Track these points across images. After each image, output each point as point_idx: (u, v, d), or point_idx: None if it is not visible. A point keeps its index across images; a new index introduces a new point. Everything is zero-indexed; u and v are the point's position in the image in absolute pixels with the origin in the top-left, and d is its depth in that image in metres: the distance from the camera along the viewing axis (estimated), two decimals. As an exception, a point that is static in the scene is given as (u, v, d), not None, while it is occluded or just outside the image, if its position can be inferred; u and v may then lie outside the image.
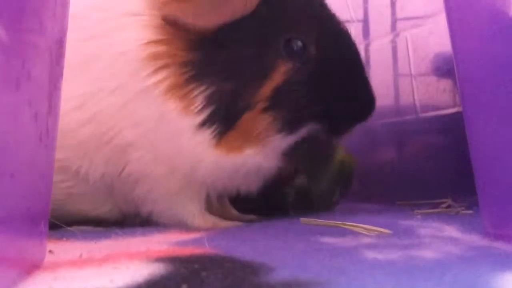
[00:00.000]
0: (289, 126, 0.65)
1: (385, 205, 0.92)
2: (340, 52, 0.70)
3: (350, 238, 0.53)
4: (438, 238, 0.53)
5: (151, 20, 0.63)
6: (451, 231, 0.57)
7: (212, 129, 0.63)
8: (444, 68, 0.91)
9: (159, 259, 0.43)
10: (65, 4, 0.44)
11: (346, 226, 0.60)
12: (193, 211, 0.69)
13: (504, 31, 0.46)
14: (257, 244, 0.51)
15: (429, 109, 0.95)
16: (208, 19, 0.62)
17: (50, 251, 0.47)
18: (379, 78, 1.07)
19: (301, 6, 0.68)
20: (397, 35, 1.02)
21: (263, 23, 0.65)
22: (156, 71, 0.62)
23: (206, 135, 0.63)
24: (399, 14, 1.03)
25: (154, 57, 0.62)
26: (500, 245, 0.47)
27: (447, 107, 0.90)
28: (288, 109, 0.65)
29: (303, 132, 0.66)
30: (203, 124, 0.63)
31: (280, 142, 0.66)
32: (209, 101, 0.63)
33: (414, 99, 0.97)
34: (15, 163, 0.34)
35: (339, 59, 0.69)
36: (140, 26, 0.64)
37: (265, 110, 0.64)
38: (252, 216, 0.77)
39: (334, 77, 0.68)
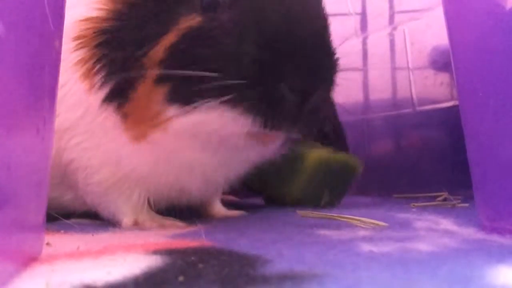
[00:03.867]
0: (183, 99, 0.52)
1: (381, 198, 0.93)
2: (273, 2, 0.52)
3: (347, 231, 0.53)
4: (434, 231, 0.53)
5: None
6: (447, 224, 0.58)
7: (114, 104, 0.56)
8: (441, 62, 0.91)
9: (156, 252, 0.43)
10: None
11: (342, 219, 0.60)
12: (124, 209, 0.63)
13: (500, 24, 0.46)
14: (254, 237, 0.51)
15: (426, 103, 0.95)
16: None
17: (48, 244, 0.47)
18: (377, 71, 1.07)
19: None
20: (394, 28, 1.02)
21: None
22: (77, 49, 0.57)
23: (111, 114, 0.57)
24: (397, 7, 1.03)
25: (80, 36, 0.57)
26: (495, 238, 0.47)
27: (444, 101, 0.90)
28: (183, 78, 0.51)
29: (214, 115, 0.51)
30: (106, 99, 0.56)
31: (182, 120, 0.53)
32: (106, 72, 0.55)
33: (411, 93, 0.97)
34: (12, 156, 0.34)
35: (265, 6, 0.52)
36: (87, 3, 0.58)
37: (157, 80, 0.53)
38: (241, 212, 0.77)
39: (259, 27, 0.51)
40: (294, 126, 0.53)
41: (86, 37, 0.57)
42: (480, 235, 0.50)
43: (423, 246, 0.44)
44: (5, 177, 0.33)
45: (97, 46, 0.57)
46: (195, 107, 0.51)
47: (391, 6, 1.03)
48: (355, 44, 1.10)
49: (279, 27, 0.51)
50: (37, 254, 0.43)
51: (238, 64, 0.50)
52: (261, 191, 0.84)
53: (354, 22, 1.09)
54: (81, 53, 0.58)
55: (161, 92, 0.53)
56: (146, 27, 0.55)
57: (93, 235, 0.56)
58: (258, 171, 0.69)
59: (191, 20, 0.53)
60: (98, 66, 0.57)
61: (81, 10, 0.58)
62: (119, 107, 0.56)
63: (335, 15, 1.13)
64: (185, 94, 0.52)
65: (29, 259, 0.40)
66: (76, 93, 0.59)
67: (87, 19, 0.58)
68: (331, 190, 0.79)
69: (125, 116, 0.57)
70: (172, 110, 0.53)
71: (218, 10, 0.53)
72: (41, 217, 0.43)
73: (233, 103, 0.50)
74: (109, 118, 0.58)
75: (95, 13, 0.57)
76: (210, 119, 0.52)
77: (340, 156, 0.82)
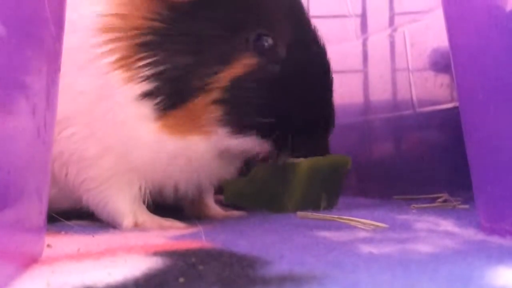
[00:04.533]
0: (237, 124, 0.61)
1: (381, 199, 0.93)
2: (309, 62, 0.65)
3: (347, 232, 0.53)
4: (434, 232, 0.53)
5: None
6: (447, 225, 0.58)
7: (155, 102, 0.59)
8: (441, 63, 0.91)
9: (156, 253, 0.43)
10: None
11: (342, 220, 0.60)
12: (123, 208, 0.64)
13: (501, 26, 0.46)
14: (254, 238, 0.51)
15: (427, 104, 0.95)
16: None
17: (48, 245, 0.48)
18: (377, 73, 1.07)
19: (281, 4, 0.65)
20: (395, 30, 1.02)
21: (240, 9, 0.62)
22: (106, 42, 0.59)
23: (147, 108, 0.59)
24: (397, 9, 1.03)
25: (107, 29, 0.59)
26: (495, 239, 0.47)
27: (445, 102, 0.90)
28: (242, 106, 0.61)
29: (248, 141, 0.62)
30: (146, 95, 0.59)
31: (226, 139, 0.62)
32: (157, 72, 0.59)
33: (411, 94, 0.97)
34: (13, 158, 0.34)
35: (307, 69, 0.65)
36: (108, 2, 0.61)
37: (218, 101, 0.60)
38: (241, 212, 0.77)
39: (297, 87, 0.64)
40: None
41: (122, 31, 0.59)
42: (480, 236, 0.50)
43: (423, 247, 0.44)
44: (6, 179, 0.33)
45: (142, 44, 0.59)
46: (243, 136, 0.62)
47: (391, 8, 1.03)
48: (355, 45, 1.10)
49: (314, 95, 0.65)
50: (38, 255, 0.43)
51: (281, 113, 0.62)
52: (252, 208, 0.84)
53: (354, 23, 1.10)
54: (115, 46, 0.59)
55: (215, 111, 0.60)
56: (203, 46, 0.61)
57: (93, 236, 0.56)
58: (247, 189, 0.72)
59: (249, 59, 0.62)
60: (143, 62, 0.59)
61: (102, 7, 0.60)
62: (164, 107, 0.59)
63: (335, 16, 1.14)
64: (237, 121, 0.61)
65: (30, 261, 0.40)
66: (89, 79, 0.60)
67: (117, 15, 0.60)
68: (328, 193, 0.79)
69: (163, 114, 0.60)
70: (220, 131, 0.61)
71: (270, 55, 0.63)
72: (42, 218, 0.43)
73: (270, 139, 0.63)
74: (136, 109, 0.59)
75: (123, 11, 0.60)
76: (246, 145, 0.63)
77: (327, 157, 0.82)
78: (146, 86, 0.59)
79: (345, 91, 1.11)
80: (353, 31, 1.11)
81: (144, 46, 0.59)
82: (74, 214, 0.68)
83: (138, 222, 0.63)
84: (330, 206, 0.78)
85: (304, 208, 0.70)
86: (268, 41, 0.63)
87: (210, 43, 0.61)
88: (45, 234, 0.46)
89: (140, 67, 0.59)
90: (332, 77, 0.68)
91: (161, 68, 0.59)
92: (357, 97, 1.11)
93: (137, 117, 0.60)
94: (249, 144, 0.63)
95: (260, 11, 0.63)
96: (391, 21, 1.04)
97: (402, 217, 0.65)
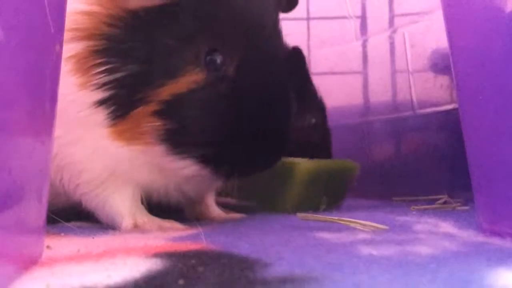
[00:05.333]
0: (173, 143, 0.59)
1: (381, 201, 0.93)
2: (259, 85, 0.61)
3: (346, 234, 0.53)
4: (434, 234, 0.53)
5: None
6: (447, 227, 0.58)
7: (107, 111, 0.58)
8: (441, 65, 0.91)
9: (156, 255, 0.43)
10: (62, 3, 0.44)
11: (342, 222, 0.60)
12: (121, 208, 0.63)
13: (500, 27, 0.46)
14: (254, 240, 0.51)
15: (426, 106, 0.95)
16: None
17: (48, 247, 0.47)
18: (377, 74, 1.07)
19: (239, 19, 0.61)
20: (394, 31, 1.02)
21: (193, 21, 0.59)
22: (69, 41, 0.57)
23: (101, 115, 0.59)
24: (397, 10, 1.03)
25: (73, 28, 0.58)
26: (495, 241, 0.47)
27: (444, 104, 0.91)
28: (180, 124, 0.58)
29: (184, 164, 0.60)
30: (100, 103, 0.58)
31: (163, 157, 0.60)
32: (111, 80, 0.58)
33: (411, 96, 0.97)
34: (13, 159, 0.34)
35: (254, 93, 0.60)
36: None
37: (156, 113, 0.58)
38: (241, 214, 0.76)
39: (243, 110, 0.59)
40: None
41: (85, 31, 0.58)
42: (480, 238, 0.50)
43: (423, 249, 0.44)
44: (5, 180, 0.33)
45: (99, 50, 0.58)
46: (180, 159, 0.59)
47: (391, 9, 1.03)
48: (355, 47, 1.11)
49: (261, 120, 0.60)
50: (38, 257, 0.43)
51: (223, 137, 0.59)
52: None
53: (354, 25, 1.10)
54: (76, 47, 0.58)
55: (153, 124, 0.58)
56: (154, 56, 0.59)
57: (93, 238, 0.56)
58: (246, 191, 0.70)
59: (196, 75, 0.59)
60: (98, 68, 0.58)
61: (78, 5, 0.59)
62: (116, 116, 0.59)
63: (335, 18, 1.14)
64: (173, 139, 0.59)
65: (29, 262, 0.40)
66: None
67: (85, 13, 0.59)
68: (329, 196, 0.79)
69: (115, 122, 0.59)
70: (158, 147, 0.59)
71: (218, 73, 0.59)
72: (41, 220, 0.43)
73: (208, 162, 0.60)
74: (97, 115, 0.59)
75: (94, 9, 0.59)
76: (183, 167, 0.60)
77: (331, 162, 0.82)
78: (100, 94, 0.58)
79: (344, 92, 1.11)
80: (353, 32, 1.11)
81: (100, 52, 0.58)
82: (73, 215, 0.68)
83: (138, 223, 0.63)
84: (331, 209, 0.78)
85: (302, 209, 0.70)
86: (218, 58, 0.59)
87: (161, 54, 0.59)
88: (45, 235, 0.46)
89: (95, 73, 0.58)
90: (288, 100, 0.63)
91: (115, 75, 0.58)
92: (357, 99, 1.11)
93: (94, 123, 0.59)
94: (186, 167, 0.60)
95: (214, 26, 0.60)
96: (391, 23, 1.04)
97: (402, 218, 0.65)
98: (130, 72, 0.58)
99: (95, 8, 0.59)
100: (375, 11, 1.08)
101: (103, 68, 0.58)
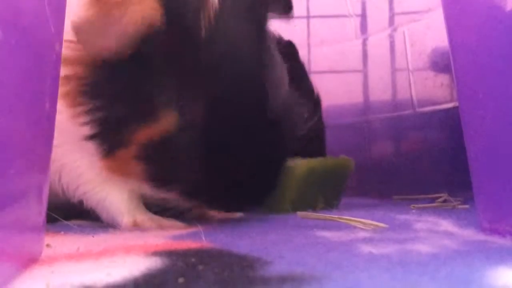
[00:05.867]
0: (157, 182, 0.61)
1: (381, 199, 0.93)
2: (234, 121, 0.59)
3: (346, 232, 0.53)
4: (434, 232, 0.53)
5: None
6: (447, 225, 0.58)
7: (96, 145, 0.61)
8: (441, 63, 0.91)
9: (156, 253, 0.43)
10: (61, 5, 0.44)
11: (342, 220, 0.60)
12: (121, 207, 0.64)
13: (501, 26, 0.46)
14: (254, 238, 0.51)
15: (427, 104, 0.95)
16: (99, 47, 0.58)
17: (48, 245, 0.47)
18: (377, 72, 1.07)
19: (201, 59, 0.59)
20: (394, 29, 1.02)
21: (162, 67, 0.59)
22: (64, 77, 0.59)
23: (92, 147, 0.61)
24: (397, 8, 1.03)
25: (65, 62, 0.58)
26: (495, 240, 0.47)
27: (445, 102, 0.90)
28: (160, 165, 0.60)
29: (173, 196, 0.62)
30: (90, 138, 0.61)
31: (151, 192, 0.62)
32: (96, 119, 0.60)
33: (411, 94, 0.97)
34: (13, 158, 0.34)
35: (230, 129, 0.59)
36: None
37: (136, 157, 0.59)
38: (239, 214, 0.76)
39: (221, 145, 0.59)
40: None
41: (73, 72, 0.60)
42: (480, 237, 0.50)
43: (423, 248, 0.44)
44: (5, 179, 0.33)
45: (84, 90, 0.60)
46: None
47: (391, 8, 1.03)
48: (355, 45, 1.11)
49: (242, 150, 0.60)
50: (37, 255, 0.43)
51: (203, 170, 0.59)
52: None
53: (354, 23, 1.10)
54: (69, 83, 0.60)
55: (135, 167, 0.60)
56: (133, 98, 0.60)
57: (93, 236, 0.56)
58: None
59: (169, 119, 0.59)
60: (84, 106, 0.60)
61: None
62: (105, 153, 0.61)
63: (335, 16, 1.14)
64: (156, 179, 0.60)
65: (29, 261, 0.40)
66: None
67: (70, 58, 0.60)
68: (326, 195, 0.79)
69: (105, 156, 0.61)
70: (144, 185, 0.61)
71: (192, 113, 0.59)
72: (41, 218, 0.43)
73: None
74: (84, 146, 0.61)
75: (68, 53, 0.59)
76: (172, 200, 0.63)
77: (326, 160, 0.82)
78: (88, 130, 0.60)
79: (344, 91, 1.11)
80: (352, 31, 1.11)
81: (85, 93, 0.60)
82: (73, 214, 0.68)
83: (137, 221, 0.63)
84: (330, 207, 0.78)
85: (300, 208, 0.70)
86: (188, 101, 0.59)
87: (138, 97, 0.60)
88: (45, 234, 0.46)
89: (82, 111, 0.60)
90: (267, 131, 0.61)
91: (99, 115, 0.60)
92: (357, 97, 1.11)
93: (90, 152, 0.62)
94: (175, 199, 0.62)
95: (180, 71, 0.59)
96: (391, 21, 1.04)
97: (402, 217, 0.65)
98: (111, 113, 0.60)
99: (77, 53, 0.60)
100: (375, 10, 1.08)
101: (88, 107, 0.60)
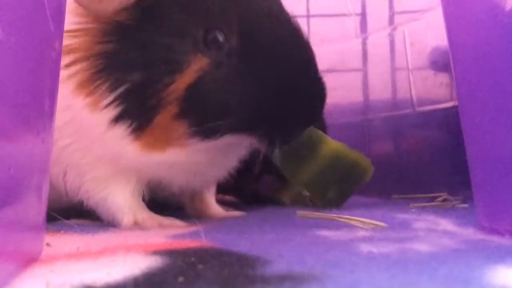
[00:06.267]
0: (205, 132, 0.58)
1: (381, 198, 0.93)
2: (270, 38, 0.58)
3: (346, 231, 0.53)
4: (433, 231, 0.53)
5: (71, 6, 0.57)
6: (446, 224, 0.58)
7: (127, 124, 0.58)
8: (441, 62, 0.91)
9: (156, 252, 0.43)
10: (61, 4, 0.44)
11: (342, 219, 0.60)
12: (122, 204, 0.64)
13: (500, 25, 0.46)
14: (254, 237, 0.51)
15: (426, 103, 0.95)
16: (107, 2, 0.56)
17: (48, 244, 0.47)
18: (376, 72, 1.07)
19: None
20: (394, 29, 1.02)
21: (181, 11, 0.58)
22: (68, 65, 0.58)
23: (122, 130, 0.59)
24: (397, 8, 1.03)
25: (68, 50, 0.58)
26: (494, 239, 0.47)
27: (444, 101, 0.90)
28: (204, 113, 0.57)
29: (226, 139, 0.59)
30: (116, 119, 0.58)
31: (200, 145, 0.59)
32: (118, 96, 0.58)
33: (411, 93, 0.97)
34: (13, 157, 0.34)
35: (269, 48, 0.58)
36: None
37: (177, 115, 0.58)
38: (241, 213, 0.76)
39: (263, 73, 0.58)
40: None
41: (80, 53, 0.59)
42: (480, 236, 0.50)
43: (422, 247, 0.44)
44: (5, 177, 0.33)
45: (98, 70, 0.58)
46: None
47: (391, 7, 1.03)
48: (355, 44, 1.11)
49: (281, 82, 0.58)
50: (37, 254, 0.43)
51: (252, 106, 0.58)
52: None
53: (354, 22, 1.10)
54: (76, 69, 0.59)
55: (181, 125, 0.58)
56: (153, 58, 0.58)
57: (93, 235, 0.56)
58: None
59: (199, 62, 0.58)
60: (102, 87, 0.58)
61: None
62: (135, 129, 0.59)
63: (335, 15, 1.14)
64: (204, 129, 0.58)
65: (29, 260, 0.40)
66: (64, 97, 0.58)
67: (75, 35, 0.59)
68: (338, 188, 0.77)
69: (138, 134, 0.59)
70: (191, 141, 0.59)
71: (224, 46, 0.58)
72: (41, 217, 0.43)
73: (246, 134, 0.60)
74: (113, 130, 0.59)
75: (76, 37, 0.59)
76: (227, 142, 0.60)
77: (354, 154, 0.79)
78: (113, 112, 0.58)
79: (344, 90, 1.11)
80: (352, 30, 1.11)
81: (100, 72, 0.58)
82: (73, 213, 0.68)
83: (138, 220, 0.63)
84: (336, 203, 0.77)
85: (310, 186, 0.68)
86: (217, 35, 0.58)
87: (159, 54, 0.58)
88: (45, 233, 0.46)
89: (101, 93, 0.58)
90: (309, 49, 0.61)
91: (121, 89, 0.58)
92: (357, 96, 1.11)
93: (116, 138, 0.59)
94: (229, 141, 0.60)
95: (202, 8, 0.59)
96: (391, 20, 1.04)
97: (402, 216, 0.65)
98: (134, 82, 0.58)
99: (83, 26, 0.59)
100: (375, 9, 1.08)
101: (106, 86, 0.58)
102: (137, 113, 0.58)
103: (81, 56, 0.59)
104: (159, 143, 0.59)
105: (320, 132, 0.74)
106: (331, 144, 0.75)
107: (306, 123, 0.63)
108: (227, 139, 0.60)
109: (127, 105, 0.58)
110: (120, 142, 0.60)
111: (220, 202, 0.81)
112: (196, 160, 0.62)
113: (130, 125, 0.59)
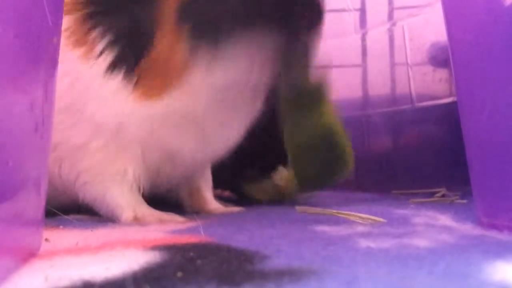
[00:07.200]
0: (213, 39, 0.54)
1: (380, 194, 0.93)
2: None
3: (345, 227, 0.54)
4: (432, 227, 0.53)
5: None
6: (445, 220, 0.58)
7: (122, 71, 0.56)
8: (440, 58, 0.91)
9: (155, 247, 0.43)
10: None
11: (341, 215, 0.60)
12: (121, 202, 0.63)
13: (499, 20, 0.46)
14: (252, 233, 0.51)
15: (425, 99, 0.95)
16: None
17: (47, 239, 0.48)
18: (376, 67, 1.07)
19: None
20: (393, 24, 1.02)
21: None
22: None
23: (117, 81, 0.57)
24: (396, 3, 1.03)
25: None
26: (493, 234, 0.47)
27: (443, 97, 0.90)
28: (204, 17, 0.54)
29: (240, 47, 0.55)
30: (110, 68, 0.56)
31: (208, 74, 0.56)
32: (110, 41, 0.56)
33: (410, 89, 0.97)
34: (11, 152, 0.34)
35: None
36: None
37: (177, 22, 0.54)
38: (240, 208, 0.76)
39: None
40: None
41: (69, 5, 0.57)
42: (478, 231, 0.50)
43: (421, 242, 0.44)
44: (4, 172, 0.33)
45: (88, 14, 0.57)
46: (222, 43, 0.54)
47: (390, 2, 1.03)
48: (354, 40, 1.10)
49: None
50: (36, 249, 0.43)
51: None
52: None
53: (353, 18, 1.09)
54: (66, 21, 0.57)
55: (184, 31, 0.55)
56: None
57: (92, 230, 0.56)
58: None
59: None
60: (94, 34, 0.57)
61: None
62: (130, 70, 0.56)
63: (334, 11, 1.13)
64: (209, 26, 0.54)
65: (28, 255, 0.40)
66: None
67: None
68: (317, 169, 0.72)
69: (137, 77, 0.56)
70: (200, 61, 0.55)
71: None
72: (40, 212, 0.43)
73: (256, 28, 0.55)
74: (110, 83, 0.57)
75: None
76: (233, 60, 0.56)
77: (344, 141, 0.75)
78: (106, 60, 0.57)
79: (343, 85, 1.11)
80: (352, 25, 1.10)
81: (88, 19, 0.57)
82: (72, 208, 0.68)
83: (137, 216, 0.63)
84: (310, 186, 0.75)
85: (297, 159, 0.67)
86: None
87: None
88: (43, 228, 0.46)
89: (92, 41, 0.56)
90: None
91: (112, 34, 0.56)
92: (356, 92, 1.11)
93: (112, 93, 0.57)
94: (243, 50, 0.56)
95: None
96: (390, 16, 1.03)
97: (400, 211, 0.65)
98: (123, 22, 0.56)
99: None
100: (374, 4, 1.07)
101: (97, 32, 0.57)
102: (129, 55, 0.57)
103: (69, 8, 0.57)
104: (156, 89, 0.57)
105: (327, 92, 0.71)
106: (329, 116, 0.73)
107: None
108: (239, 50, 0.55)
109: (119, 50, 0.57)
110: (116, 98, 0.58)
111: (219, 198, 0.81)
112: (200, 108, 0.59)
113: (126, 71, 0.57)
